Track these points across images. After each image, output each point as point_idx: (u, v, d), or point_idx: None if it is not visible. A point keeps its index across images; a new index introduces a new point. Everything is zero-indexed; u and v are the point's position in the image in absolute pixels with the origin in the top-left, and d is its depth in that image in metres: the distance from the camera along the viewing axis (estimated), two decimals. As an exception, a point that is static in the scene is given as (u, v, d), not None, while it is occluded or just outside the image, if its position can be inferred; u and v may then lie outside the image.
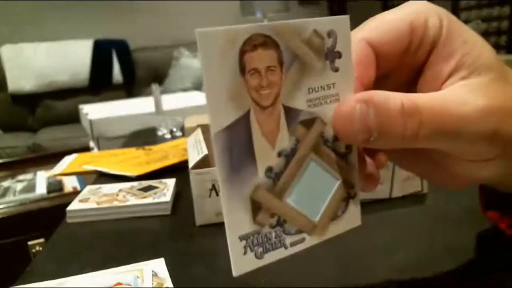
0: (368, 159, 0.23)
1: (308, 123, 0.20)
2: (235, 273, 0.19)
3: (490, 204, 0.30)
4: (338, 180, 0.22)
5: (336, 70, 0.21)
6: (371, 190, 0.23)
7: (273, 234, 0.20)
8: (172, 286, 0.30)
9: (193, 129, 0.54)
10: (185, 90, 2.25)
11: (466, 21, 2.88)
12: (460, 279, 0.28)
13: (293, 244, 0.21)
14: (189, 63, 2.61)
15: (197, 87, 2.38)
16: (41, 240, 1.13)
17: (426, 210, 0.40)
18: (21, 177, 1.44)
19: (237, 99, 0.18)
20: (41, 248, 1.12)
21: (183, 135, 0.84)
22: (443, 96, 0.20)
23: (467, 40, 0.21)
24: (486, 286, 0.27)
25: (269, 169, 0.19)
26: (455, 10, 3.01)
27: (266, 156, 0.19)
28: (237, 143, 0.18)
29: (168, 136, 0.89)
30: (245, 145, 0.18)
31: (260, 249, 0.20)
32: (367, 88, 0.22)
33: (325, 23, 0.20)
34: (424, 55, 0.22)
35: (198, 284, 0.31)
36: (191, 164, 0.40)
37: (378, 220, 0.38)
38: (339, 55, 0.20)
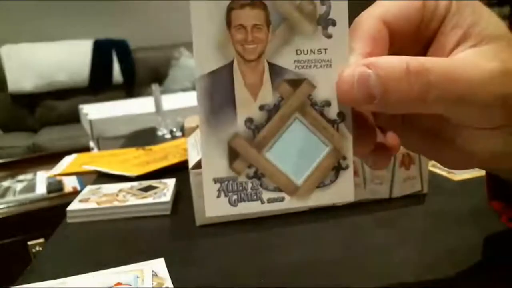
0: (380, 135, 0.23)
1: (294, 83, 0.21)
2: (207, 213, 0.20)
3: (495, 193, 0.30)
4: (327, 146, 0.21)
5: (329, 36, 0.21)
6: (382, 167, 0.23)
7: (249, 185, 0.21)
8: (172, 286, 0.30)
9: (193, 129, 0.54)
10: (185, 90, 2.25)
11: (466, 21, 2.89)
12: (459, 279, 0.28)
13: (270, 201, 0.21)
14: (189, 63, 2.60)
15: (197, 87, 2.38)
16: (41, 240, 1.13)
17: (426, 210, 0.40)
18: (21, 177, 1.44)
19: (222, 49, 0.19)
20: (41, 248, 1.12)
21: (183, 135, 0.84)
22: (452, 60, 0.20)
23: (475, 11, 0.21)
24: (485, 286, 0.27)
25: (249, 120, 0.20)
26: (455, 10, 3.01)
27: (247, 107, 0.20)
28: (219, 89, 0.20)
29: (168, 136, 0.89)
30: (226, 92, 0.20)
31: (235, 197, 0.20)
32: None
33: None
34: (435, 29, 0.22)
35: (198, 284, 0.31)
36: (191, 164, 0.40)
37: (378, 220, 0.38)
38: (333, 22, 0.21)
